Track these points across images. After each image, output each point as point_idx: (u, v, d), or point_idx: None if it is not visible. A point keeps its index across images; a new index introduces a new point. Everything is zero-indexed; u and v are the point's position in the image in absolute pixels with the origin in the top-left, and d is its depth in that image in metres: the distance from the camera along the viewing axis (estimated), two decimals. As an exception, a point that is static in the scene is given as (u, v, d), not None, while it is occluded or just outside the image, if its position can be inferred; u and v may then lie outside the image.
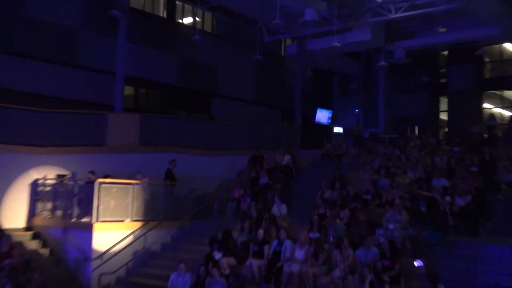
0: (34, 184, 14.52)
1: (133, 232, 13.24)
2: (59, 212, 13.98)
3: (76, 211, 13.59)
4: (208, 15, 23.37)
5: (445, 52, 26.23)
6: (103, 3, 18.47)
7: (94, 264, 12.39)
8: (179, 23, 22.47)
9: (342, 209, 12.38)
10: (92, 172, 14.24)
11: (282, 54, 27.23)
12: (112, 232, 12.99)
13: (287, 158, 14.44)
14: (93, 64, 18.81)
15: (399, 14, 18.41)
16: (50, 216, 14.09)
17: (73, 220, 13.37)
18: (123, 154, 16.24)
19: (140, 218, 13.75)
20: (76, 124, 15.75)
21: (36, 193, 14.46)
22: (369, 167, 16.77)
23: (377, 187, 13.91)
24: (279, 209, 13.09)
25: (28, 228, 14.24)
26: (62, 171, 14.85)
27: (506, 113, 25.52)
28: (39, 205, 14.46)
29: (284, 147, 19.87)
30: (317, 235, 11.46)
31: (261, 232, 11.63)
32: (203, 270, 10.90)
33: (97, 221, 12.85)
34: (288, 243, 11.14)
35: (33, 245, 13.55)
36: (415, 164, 14.89)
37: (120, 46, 18.03)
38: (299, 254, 10.66)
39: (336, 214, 12.32)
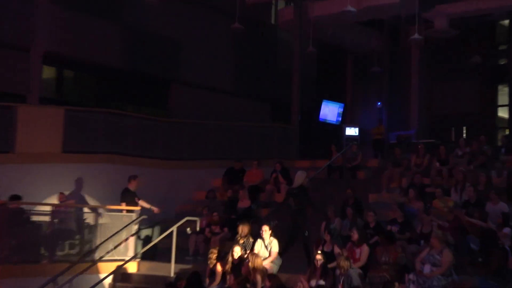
0: None
1: (53, 278, 13.08)
2: None
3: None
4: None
5: (505, 22, 26.47)
6: None
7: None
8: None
9: (358, 246, 12.37)
10: (-9, 192, 14.08)
11: (273, 22, 27.28)
12: (20, 279, 12.78)
13: (301, 176, 13.73)
14: (-2, 35, 18.66)
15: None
16: None
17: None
18: (40, 166, 16.09)
19: (63, 258, 13.60)
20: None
21: None
22: (396, 185, 16.83)
23: (407, 214, 13.92)
24: (266, 245, 13.04)
25: None
26: None
27: None
28: None
29: (275, 157, 19.96)
30: (321, 283, 11.38)
31: (231, 280, 11.55)
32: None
33: (-1, 263, 12.67)
34: (279, 295, 11.08)
35: None
36: (462, 182, 14.96)
37: (39, 9, 17.90)
38: (295, 310, 10.62)
39: (349, 252, 12.31)
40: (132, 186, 15.39)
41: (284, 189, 17.56)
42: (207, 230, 15.53)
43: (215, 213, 15.75)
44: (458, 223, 12.82)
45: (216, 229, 15.47)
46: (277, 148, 21.40)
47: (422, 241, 12.53)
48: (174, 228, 14.36)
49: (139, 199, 15.45)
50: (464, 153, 17.52)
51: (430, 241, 11.53)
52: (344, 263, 11.62)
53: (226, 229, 15.43)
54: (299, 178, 13.70)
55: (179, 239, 15.38)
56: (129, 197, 15.21)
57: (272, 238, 13.03)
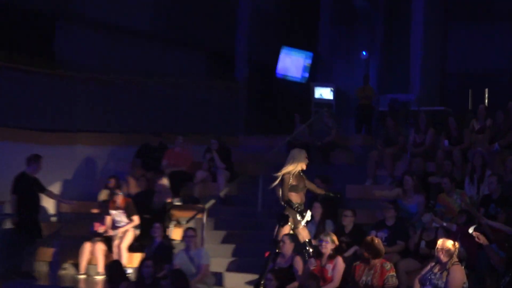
0: None
1: None
2: None
3: None
4: None
5: None
6: None
7: None
8: None
9: (330, 259, 12.51)
10: None
11: None
12: None
13: (301, 156, 13.49)
14: None
15: None
16: None
17: None
18: None
19: None
20: None
21: None
22: (386, 173, 16.97)
23: (402, 215, 14.08)
24: (191, 257, 13.09)
25: None
26: None
27: None
28: None
29: (211, 131, 20.15)
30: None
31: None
32: None
33: None
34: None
35: None
36: (481, 169, 15.09)
37: None
38: None
39: (317, 269, 12.43)
40: (32, 171, 15.50)
41: (223, 177, 17.61)
42: (107, 218, 15.63)
43: (118, 190, 15.85)
44: (476, 228, 12.74)
45: (120, 217, 15.57)
46: (215, 117, 21.50)
47: (422, 252, 12.74)
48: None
49: (44, 190, 15.57)
50: (484, 127, 17.54)
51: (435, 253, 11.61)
52: (310, 284, 11.68)
53: (136, 218, 15.51)
54: (299, 158, 13.46)
55: (66, 249, 15.34)
56: (27, 186, 15.27)
57: (200, 247, 13.08)
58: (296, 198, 13.14)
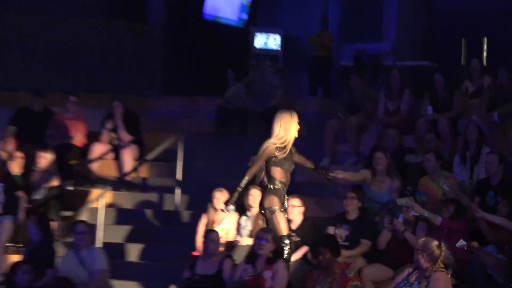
0: None
1: None
2: None
3: None
4: None
5: None
6: None
7: None
8: None
9: (269, 265, 12.51)
10: None
11: None
12: None
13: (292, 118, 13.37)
14: None
15: None
16: None
17: None
18: None
19: None
20: None
21: None
22: (349, 149, 17.13)
23: (369, 205, 14.24)
24: (84, 261, 13.13)
25: None
26: None
27: None
28: None
29: (115, 90, 20.08)
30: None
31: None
32: None
33: None
34: None
35: None
36: (476, 145, 15.15)
37: None
38: None
39: (253, 278, 12.50)
40: None
41: (129, 153, 17.49)
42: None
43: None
44: (466, 223, 13.05)
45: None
46: (119, 71, 21.55)
47: (401, 216, 12.90)
48: None
49: None
50: (481, 89, 17.66)
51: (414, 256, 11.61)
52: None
53: (22, 194, 15.43)
54: (292, 124, 13.49)
55: None
56: None
57: (95, 247, 13.08)
58: (280, 175, 13.07)
